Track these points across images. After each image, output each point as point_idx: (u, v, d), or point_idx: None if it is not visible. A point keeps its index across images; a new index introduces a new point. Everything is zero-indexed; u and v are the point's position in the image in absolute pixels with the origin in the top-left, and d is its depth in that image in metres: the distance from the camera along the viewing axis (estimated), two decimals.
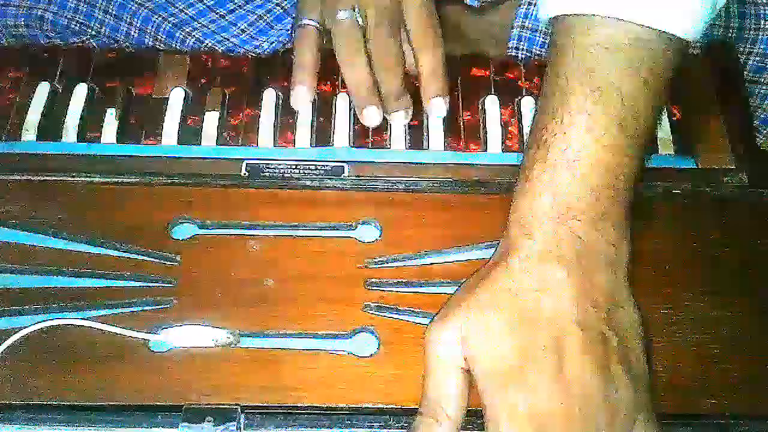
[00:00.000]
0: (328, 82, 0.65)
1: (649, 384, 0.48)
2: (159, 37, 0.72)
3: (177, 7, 0.72)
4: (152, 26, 0.72)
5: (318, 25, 0.65)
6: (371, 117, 0.63)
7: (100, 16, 0.72)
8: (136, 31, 0.72)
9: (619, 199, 0.49)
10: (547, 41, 0.69)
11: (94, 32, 0.72)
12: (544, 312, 0.47)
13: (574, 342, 0.46)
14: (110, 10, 0.72)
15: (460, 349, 0.48)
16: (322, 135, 0.62)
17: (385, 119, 0.64)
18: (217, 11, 0.73)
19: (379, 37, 0.64)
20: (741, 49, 0.70)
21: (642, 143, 0.50)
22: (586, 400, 0.46)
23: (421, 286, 0.55)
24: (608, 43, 0.50)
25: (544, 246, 0.48)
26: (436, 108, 0.64)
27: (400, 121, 0.64)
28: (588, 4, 0.50)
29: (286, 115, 0.63)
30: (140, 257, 0.55)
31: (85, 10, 0.72)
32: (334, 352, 0.52)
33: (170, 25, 0.71)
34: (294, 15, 0.69)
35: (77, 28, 0.72)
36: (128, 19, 0.72)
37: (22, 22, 0.72)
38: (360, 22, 0.63)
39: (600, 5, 0.50)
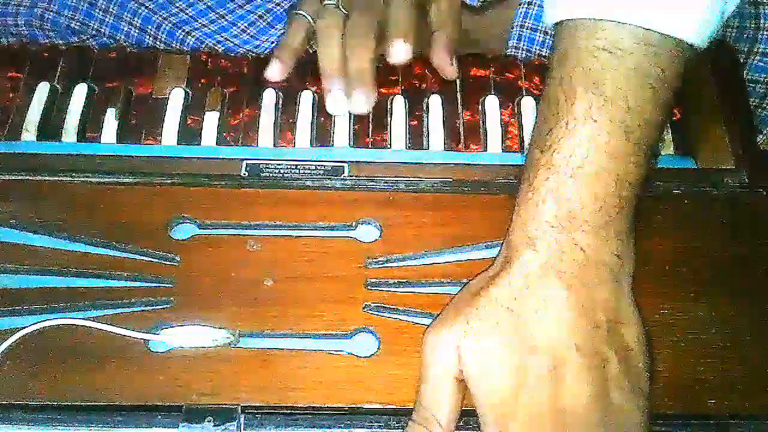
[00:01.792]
0: None
1: (648, 401, 0.48)
2: (159, 36, 0.72)
3: (177, 7, 0.72)
4: (152, 26, 0.72)
5: (310, 18, 0.65)
6: (332, 102, 0.62)
7: (100, 16, 0.72)
8: (137, 30, 0.72)
9: (624, 207, 0.49)
10: (547, 40, 0.69)
11: (94, 32, 0.72)
12: (543, 335, 0.47)
13: (573, 369, 0.46)
14: (110, 10, 0.72)
15: (455, 358, 0.48)
16: (322, 135, 0.62)
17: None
18: (218, 11, 0.73)
19: (353, 23, 0.63)
20: (741, 48, 0.70)
21: (648, 151, 0.50)
22: (583, 427, 0.45)
23: (421, 286, 0.55)
24: (614, 48, 0.49)
25: (546, 258, 0.48)
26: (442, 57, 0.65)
27: (359, 106, 0.62)
28: (594, 9, 0.49)
29: (286, 115, 0.63)
30: (140, 257, 0.55)
31: (85, 9, 0.72)
32: (334, 352, 0.52)
33: (170, 24, 0.72)
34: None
35: (77, 27, 0.72)
36: (128, 19, 0.72)
37: (22, 22, 0.72)
38: (341, 10, 0.63)
39: (606, 10, 0.49)
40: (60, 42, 0.73)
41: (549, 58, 0.53)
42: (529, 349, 0.47)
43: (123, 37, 0.72)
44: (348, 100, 0.62)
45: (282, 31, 0.71)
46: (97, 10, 0.72)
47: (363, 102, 0.62)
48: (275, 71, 0.64)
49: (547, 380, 0.46)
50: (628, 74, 0.49)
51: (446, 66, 0.65)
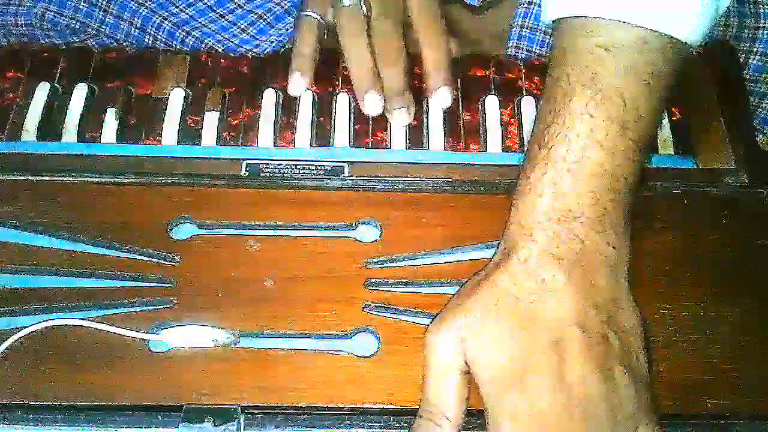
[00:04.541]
0: (328, 83, 0.65)
1: (650, 385, 0.49)
2: (159, 36, 0.72)
3: (177, 7, 0.72)
4: (152, 26, 0.72)
5: (319, 18, 0.65)
6: (372, 104, 0.63)
7: (100, 16, 0.72)
8: (137, 30, 0.72)
9: (620, 201, 0.50)
10: (547, 40, 0.69)
11: (94, 31, 0.72)
12: (544, 315, 0.47)
13: (575, 344, 0.46)
14: (111, 10, 0.72)
15: (460, 351, 0.48)
16: (322, 135, 0.62)
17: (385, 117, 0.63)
18: (218, 11, 0.73)
19: (381, 27, 0.63)
20: (741, 48, 0.70)
21: (643, 146, 0.51)
22: (588, 402, 0.46)
23: (421, 286, 0.55)
24: (611, 46, 0.50)
25: (544, 247, 0.48)
26: (442, 98, 0.63)
27: (401, 120, 0.63)
28: (590, 7, 0.50)
29: (286, 115, 0.63)
30: (140, 257, 0.55)
31: (85, 9, 0.72)
32: (334, 352, 0.52)
33: (171, 24, 0.72)
34: (295, 13, 0.69)
35: (77, 27, 0.72)
36: (129, 19, 0.72)
37: (22, 21, 0.72)
38: (364, 11, 0.63)
39: (602, 8, 0.50)
40: (60, 42, 0.73)
41: (548, 56, 0.53)
42: (531, 328, 0.47)
43: (123, 36, 0.72)
44: (390, 114, 0.63)
45: (282, 30, 0.71)
46: (98, 10, 0.72)
47: (405, 117, 0.63)
48: (299, 85, 0.64)
49: (550, 356, 0.46)
50: (624, 71, 0.50)
51: (447, 98, 0.64)
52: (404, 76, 0.63)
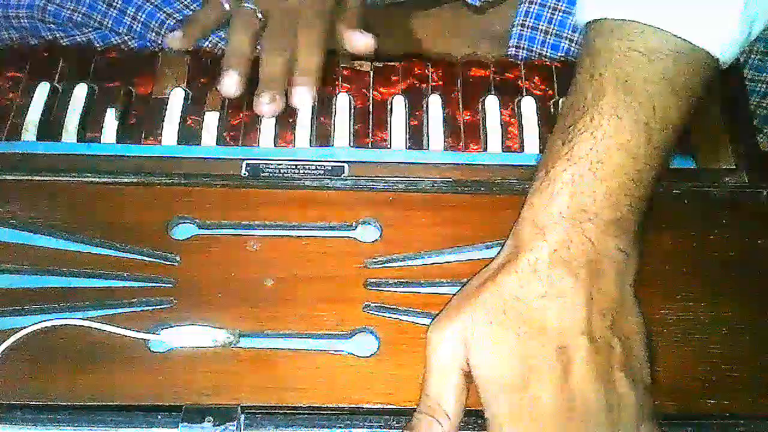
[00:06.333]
0: (328, 83, 0.65)
1: (652, 391, 0.49)
2: (162, 33, 0.72)
3: (182, 3, 0.72)
4: (156, 22, 0.72)
5: (258, 10, 0.65)
6: (227, 81, 0.62)
7: (103, 9, 0.72)
8: (139, 25, 0.72)
9: (635, 206, 0.49)
10: (548, 40, 0.69)
11: (96, 24, 0.72)
12: (550, 320, 0.47)
13: (579, 352, 0.46)
14: (114, 4, 0.72)
15: (462, 350, 0.48)
16: (322, 135, 0.62)
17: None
18: None
19: (272, 26, 0.65)
20: None
21: (665, 155, 0.51)
22: (590, 410, 0.46)
23: (421, 286, 0.55)
24: (647, 51, 0.50)
25: (554, 249, 0.48)
26: (300, 97, 0.63)
27: (264, 106, 0.62)
28: (630, 11, 0.50)
29: (286, 115, 0.63)
30: (140, 257, 0.55)
31: (88, 1, 0.72)
32: (334, 352, 0.52)
33: (174, 21, 0.72)
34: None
35: (79, 20, 0.72)
36: (132, 13, 0.72)
37: (24, 14, 0.72)
38: (260, 16, 0.65)
39: (642, 13, 0.50)
40: (62, 35, 0.73)
41: (579, 55, 0.53)
42: (536, 334, 0.47)
43: (125, 30, 0.72)
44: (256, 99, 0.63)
45: None
46: (101, 3, 0.72)
47: (267, 106, 0.62)
48: (229, 84, 0.63)
49: (554, 363, 0.46)
50: (657, 78, 0.50)
51: (358, 39, 0.65)
52: (281, 76, 0.63)
